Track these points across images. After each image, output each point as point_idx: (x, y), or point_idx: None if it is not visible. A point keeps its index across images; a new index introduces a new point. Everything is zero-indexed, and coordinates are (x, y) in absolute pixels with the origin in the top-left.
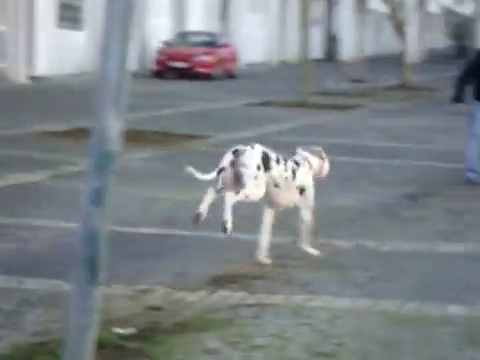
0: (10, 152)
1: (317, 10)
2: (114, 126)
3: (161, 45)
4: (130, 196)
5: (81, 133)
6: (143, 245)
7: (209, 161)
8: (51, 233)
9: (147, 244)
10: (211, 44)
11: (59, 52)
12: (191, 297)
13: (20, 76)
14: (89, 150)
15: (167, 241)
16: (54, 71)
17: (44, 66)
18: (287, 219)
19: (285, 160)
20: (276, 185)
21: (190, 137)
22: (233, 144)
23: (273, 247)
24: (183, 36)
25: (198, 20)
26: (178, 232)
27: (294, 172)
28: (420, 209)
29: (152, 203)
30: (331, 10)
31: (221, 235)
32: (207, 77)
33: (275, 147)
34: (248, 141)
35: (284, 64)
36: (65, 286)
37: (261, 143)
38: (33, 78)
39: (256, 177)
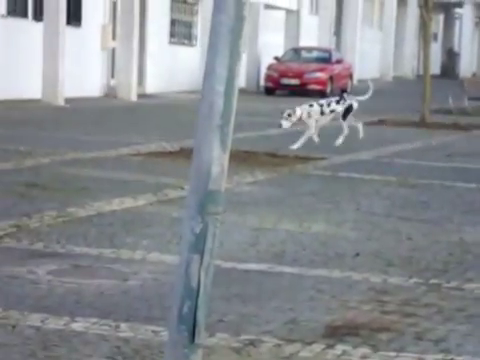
0: (113, 174)
1: (435, 24)
2: (219, 159)
3: (272, 61)
4: (236, 226)
5: (190, 154)
6: (249, 284)
7: (323, 187)
8: (152, 267)
9: (253, 283)
10: (325, 60)
11: (170, 69)
12: (304, 352)
13: (131, 94)
14: (190, 188)
15: (276, 280)
16: (165, 89)
17: (154, 84)
18: (412, 259)
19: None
20: None
21: (302, 159)
22: (348, 168)
23: (398, 291)
24: (296, 52)
25: (312, 36)
26: (288, 269)
27: None
28: None
29: (260, 235)
30: (450, 24)
31: (337, 274)
32: (320, 94)
33: (392, 170)
34: (363, 164)
35: (399, 80)
36: (165, 334)
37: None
38: (143, 96)
39: None
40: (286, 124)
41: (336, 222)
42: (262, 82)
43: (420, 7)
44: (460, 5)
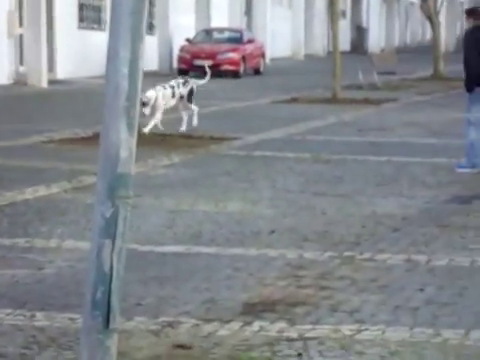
0: (25, 163)
1: (343, 1)
2: (127, 142)
3: (185, 43)
4: (152, 209)
5: None
6: (166, 267)
7: (238, 167)
8: (67, 255)
9: (171, 265)
10: (236, 40)
11: (80, 54)
12: (223, 330)
13: (42, 81)
14: (99, 172)
15: (193, 261)
16: (76, 74)
17: (65, 69)
18: (326, 233)
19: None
20: None
21: (217, 139)
22: (262, 146)
23: (313, 265)
24: (207, 33)
25: (223, 16)
26: (205, 250)
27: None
28: (475, 214)
29: (177, 216)
30: (358, 0)
31: (253, 251)
32: (234, 75)
33: (305, 147)
34: (277, 142)
35: (311, 58)
36: (81, 321)
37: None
38: (54, 82)
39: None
40: (147, 111)
41: (252, 200)
42: (175, 64)
43: None
44: None
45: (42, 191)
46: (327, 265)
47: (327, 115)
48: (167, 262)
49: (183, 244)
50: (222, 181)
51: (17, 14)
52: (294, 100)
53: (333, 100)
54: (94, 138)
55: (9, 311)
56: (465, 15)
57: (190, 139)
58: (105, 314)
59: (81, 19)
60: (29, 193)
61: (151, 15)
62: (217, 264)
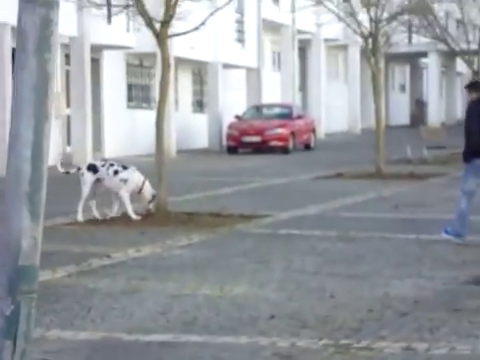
0: None
1: (402, 74)
2: (30, 231)
3: (233, 120)
4: (152, 294)
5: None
6: (147, 358)
7: (257, 246)
8: (47, 347)
9: (152, 357)
10: (285, 116)
11: (129, 133)
12: None
13: (87, 160)
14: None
15: (177, 351)
16: (124, 153)
17: (112, 148)
18: (328, 318)
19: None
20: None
21: (246, 217)
22: (291, 224)
23: (303, 355)
24: (257, 109)
25: (275, 92)
26: (194, 338)
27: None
28: None
29: (175, 302)
30: (416, 74)
31: (244, 339)
32: (283, 150)
33: (335, 224)
34: (308, 219)
35: (368, 132)
36: None
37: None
38: None
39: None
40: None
41: (260, 283)
42: (224, 141)
43: (368, 58)
44: (425, 55)
45: (46, 276)
46: (319, 355)
47: (368, 190)
48: (149, 353)
49: (173, 332)
50: (236, 262)
51: (64, 95)
52: (339, 175)
53: (378, 175)
54: (119, 219)
55: None
56: (466, 89)
57: (218, 217)
58: None
59: (130, 99)
60: None
61: (201, 93)
62: (201, 355)
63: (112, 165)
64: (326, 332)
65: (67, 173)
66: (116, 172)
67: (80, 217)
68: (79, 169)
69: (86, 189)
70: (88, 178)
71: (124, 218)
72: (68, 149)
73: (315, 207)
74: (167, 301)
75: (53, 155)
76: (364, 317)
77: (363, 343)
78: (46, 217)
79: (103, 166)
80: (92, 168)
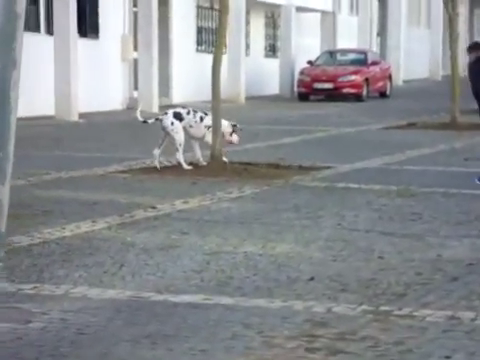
0: (86, 195)
1: None
2: None
3: (306, 65)
4: (191, 250)
5: (180, 169)
6: (171, 321)
7: (311, 200)
8: (68, 305)
9: (177, 319)
10: (360, 62)
11: (197, 78)
12: None
13: (152, 106)
14: None
15: (204, 314)
16: (192, 99)
17: (181, 94)
18: (372, 281)
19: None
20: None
21: (304, 169)
22: (350, 177)
23: (338, 322)
24: (330, 55)
25: (352, 37)
26: (224, 300)
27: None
28: None
29: (212, 259)
30: None
31: (277, 303)
32: (356, 98)
33: (397, 178)
34: (369, 172)
35: (449, 79)
36: None
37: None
38: (166, 107)
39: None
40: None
41: (305, 241)
42: (296, 88)
43: (445, 3)
44: None
45: (84, 227)
46: (355, 322)
47: (439, 142)
48: (175, 315)
49: (204, 293)
50: (285, 217)
51: (132, 38)
52: (411, 125)
53: (452, 125)
54: (173, 168)
55: None
56: (467, 51)
57: (275, 169)
58: None
59: (199, 42)
60: (69, 230)
61: (274, 37)
62: (229, 319)
63: (196, 112)
64: (367, 297)
65: (144, 122)
66: (201, 119)
67: (186, 166)
68: (157, 119)
69: (181, 137)
70: (178, 126)
71: (179, 167)
72: (135, 94)
73: (379, 159)
74: (204, 258)
75: (120, 99)
76: (411, 281)
77: (405, 310)
78: (99, 164)
79: (188, 113)
80: (177, 116)
